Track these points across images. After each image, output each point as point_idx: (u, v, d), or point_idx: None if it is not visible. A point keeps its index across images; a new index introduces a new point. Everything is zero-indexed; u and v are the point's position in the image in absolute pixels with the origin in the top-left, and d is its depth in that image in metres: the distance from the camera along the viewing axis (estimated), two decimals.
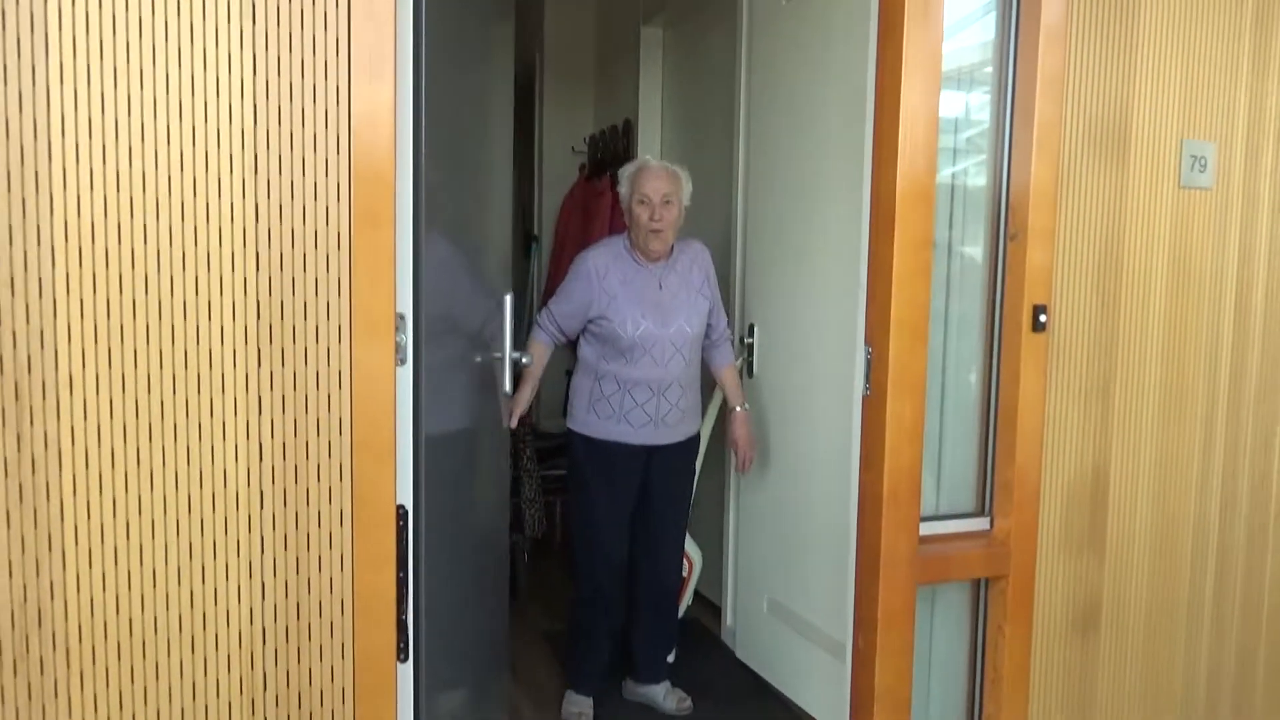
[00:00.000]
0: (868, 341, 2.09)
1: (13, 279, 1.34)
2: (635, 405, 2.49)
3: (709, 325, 2.61)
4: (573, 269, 2.55)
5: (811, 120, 2.46)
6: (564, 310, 2.53)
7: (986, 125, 2.24)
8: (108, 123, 1.38)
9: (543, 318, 2.59)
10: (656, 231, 2.46)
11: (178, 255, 1.43)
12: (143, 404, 1.41)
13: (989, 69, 2.22)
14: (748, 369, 2.78)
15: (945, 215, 2.24)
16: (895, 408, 2.04)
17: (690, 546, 2.99)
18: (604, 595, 2.58)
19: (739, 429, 2.68)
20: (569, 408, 2.60)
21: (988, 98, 2.23)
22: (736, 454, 2.70)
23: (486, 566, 2.17)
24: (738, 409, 2.68)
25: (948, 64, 2.15)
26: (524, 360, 2.13)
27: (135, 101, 1.38)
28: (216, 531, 1.47)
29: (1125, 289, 2.29)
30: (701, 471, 2.87)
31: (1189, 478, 2.40)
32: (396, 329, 1.59)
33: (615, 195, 3.83)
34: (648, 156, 2.57)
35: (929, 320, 2.05)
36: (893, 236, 2.01)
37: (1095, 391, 2.28)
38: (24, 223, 1.33)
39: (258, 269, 1.47)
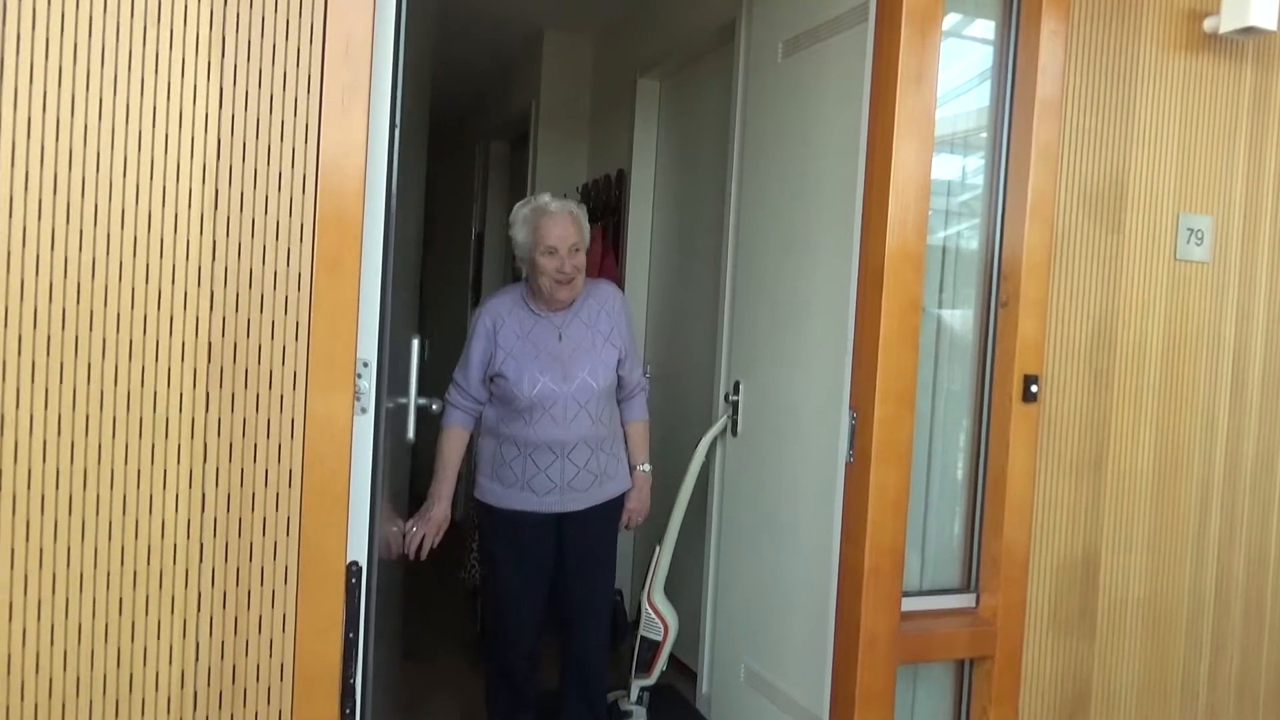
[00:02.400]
0: (853, 406, 2.06)
1: None
2: (538, 471, 2.36)
3: (619, 378, 2.48)
4: (471, 325, 2.44)
5: (803, 178, 2.44)
6: (472, 375, 2.39)
7: (980, 190, 2.23)
8: (62, 151, 1.32)
9: (453, 394, 2.42)
10: (566, 283, 2.35)
11: (126, 291, 1.37)
12: (79, 447, 1.34)
13: (984, 134, 2.21)
14: (732, 428, 2.73)
15: (935, 280, 2.22)
16: (879, 476, 2.00)
17: (665, 609, 2.89)
18: (512, 681, 2.45)
19: (634, 492, 2.57)
20: (474, 474, 2.49)
21: (982, 162, 2.22)
22: (628, 516, 2.59)
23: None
24: (639, 468, 2.58)
25: (942, 128, 2.14)
26: (433, 407, 2.04)
27: (94, 131, 1.33)
28: (150, 586, 1.39)
29: (1119, 361, 2.26)
30: (684, 527, 2.82)
31: (1183, 556, 2.35)
32: (359, 376, 1.57)
33: (606, 242, 3.85)
34: (545, 196, 2.43)
35: (916, 387, 2.02)
36: (880, 299, 1.98)
37: (1087, 465, 2.24)
38: None
39: (211, 309, 1.42)
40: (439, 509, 2.36)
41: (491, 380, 2.39)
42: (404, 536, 2.28)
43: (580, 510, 2.43)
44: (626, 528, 2.61)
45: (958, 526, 2.27)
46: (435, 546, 2.35)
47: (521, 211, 2.42)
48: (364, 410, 1.58)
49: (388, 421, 1.79)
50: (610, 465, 2.48)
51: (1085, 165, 2.17)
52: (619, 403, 2.55)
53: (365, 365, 1.58)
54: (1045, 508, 2.21)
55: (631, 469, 2.59)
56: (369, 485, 1.59)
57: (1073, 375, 2.21)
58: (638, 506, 2.59)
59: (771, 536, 2.55)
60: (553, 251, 2.34)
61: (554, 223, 2.35)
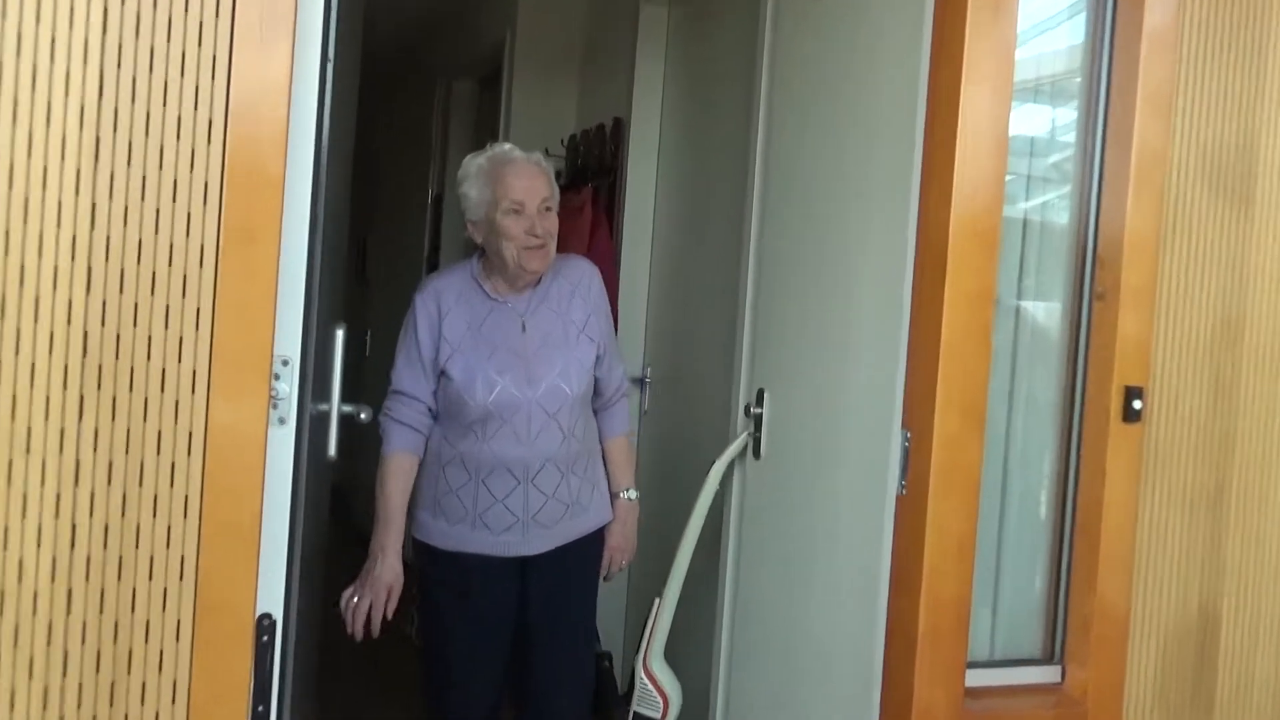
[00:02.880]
0: (906, 424, 2.06)
1: None
2: (494, 501, 2.38)
3: (596, 380, 2.51)
4: (407, 315, 2.45)
5: (846, 135, 2.44)
6: (421, 378, 2.40)
7: (1072, 149, 2.23)
8: None
9: (395, 407, 2.42)
10: (537, 249, 2.36)
11: None
12: None
13: (1077, 79, 2.22)
14: (754, 448, 2.74)
15: (1014, 264, 2.22)
16: (940, 512, 2.01)
17: (666, 678, 2.90)
18: None
19: (616, 526, 2.60)
20: (413, 510, 2.49)
21: (1075, 115, 2.23)
22: (610, 556, 2.62)
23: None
24: (622, 495, 2.61)
25: (1024, 71, 2.15)
26: (360, 416, 2.06)
27: None
28: (2, 644, 1.39)
29: (1247, 368, 2.26)
30: (691, 575, 2.83)
31: None
32: (276, 377, 1.58)
33: (598, 208, 3.86)
34: (507, 145, 2.45)
35: (987, 399, 2.03)
36: (943, 287, 1.99)
37: (1204, 501, 2.25)
38: None
39: (88, 290, 1.42)
40: (387, 567, 2.35)
41: (436, 383, 2.41)
42: (343, 607, 2.30)
43: (548, 552, 2.44)
44: (606, 576, 2.63)
45: (1039, 578, 2.28)
46: (389, 617, 2.35)
47: (475, 163, 2.43)
48: (282, 421, 1.59)
49: (313, 435, 1.80)
50: (585, 493, 2.50)
51: (1206, 121, 2.17)
52: (595, 413, 2.58)
53: (285, 364, 1.58)
54: (1151, 555, 2.21)
55: (613, 497, 2.61)
56: (287, 516, 1.60)
57: (1187, 386, 2.21)
58: (621, 544, 2.62)
59: (802, 586, 2.56)
60: (518, 210, 2.36)
61: (519, 172, 2.37)
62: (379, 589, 2.32)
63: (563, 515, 2.44)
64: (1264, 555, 2.30)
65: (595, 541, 2.54)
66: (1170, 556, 2.23)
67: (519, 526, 2.39)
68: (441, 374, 2.37)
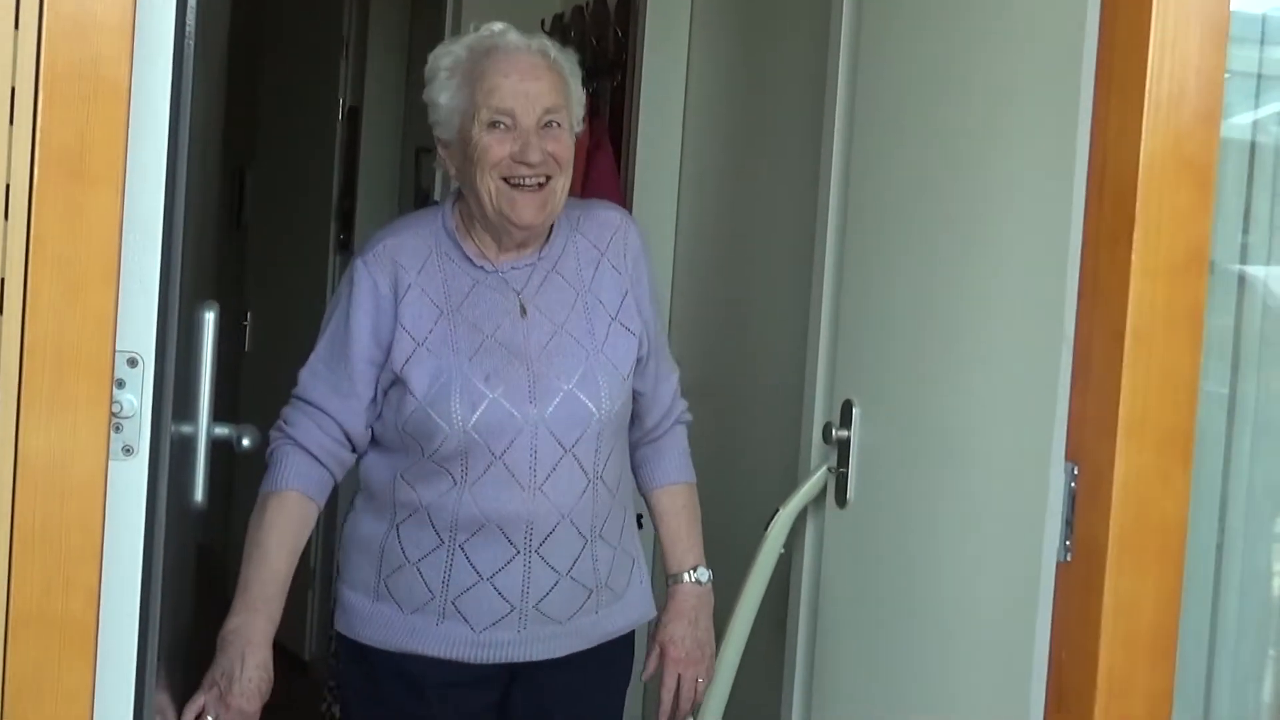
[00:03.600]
0: (1072, 455, 2.06)
1: None
2: (477, 579, 2.35)
3: (637, 394, 2.53)
4: (340, 288, 2.43)
5: (977, 23, 2.43)
6: (337, 386, 2.38)
7: None
8: None
9: (294, 421, 2.41)
10: (531, 188, 2.33)
11: None
12: None
13: None
14: (836, 490, 2.75)
15: (1235, 209, 2.23)
16: (1125, 589, 1.99)
17: None
18: None
19: (679, 624, 2.57)
20: (335, 588, 2.49)
21: None
22: (661, 674, 2.58)
23: None
24: (686, 577, 2.59)
25: None
26: (244, 442, 2.06)
27: None
28: None
29: None
30: (743, 678, 2.82)
31: None
32: (120, 385, 1.59)
33: (598, 127, 3.87)
34: (498, 24, 2.40)
35: (1195, 418, 2.01)
36: (1130, 247, 1.97)
37: None
38: None
39: None
40: (251, 666, 2.31)
41: (385, 395, 2.38)
42: None
43: (556, 660, 2.43)
44: (674, 717, 2.59)
45: (1271, 684, 2.31)
46: None
47: (448, 54, 2.41)
48: (129, 450, 1.60)
49: (173, 471, 1.81)
50: (620, 572, 2.51)
51: None
52: (633, 447, 2.58)
53: (133, 364, 1.59)
54: None
55: (672, 579, 2.61)
56: (138, 596, 1.61)
57: None
58: (692, 654, 2.58)
59: (910, 701, 2.56)
60: (505, 122, 2.33)
61: (510, 64, 2.34)
62: (240, 701, 2.29)
63: (582, 605, 2.42)
64: None
65: (627, 651, 2.55)
66: None
67: (514, 619, 2.37)
68: (395, 382, 2.35)
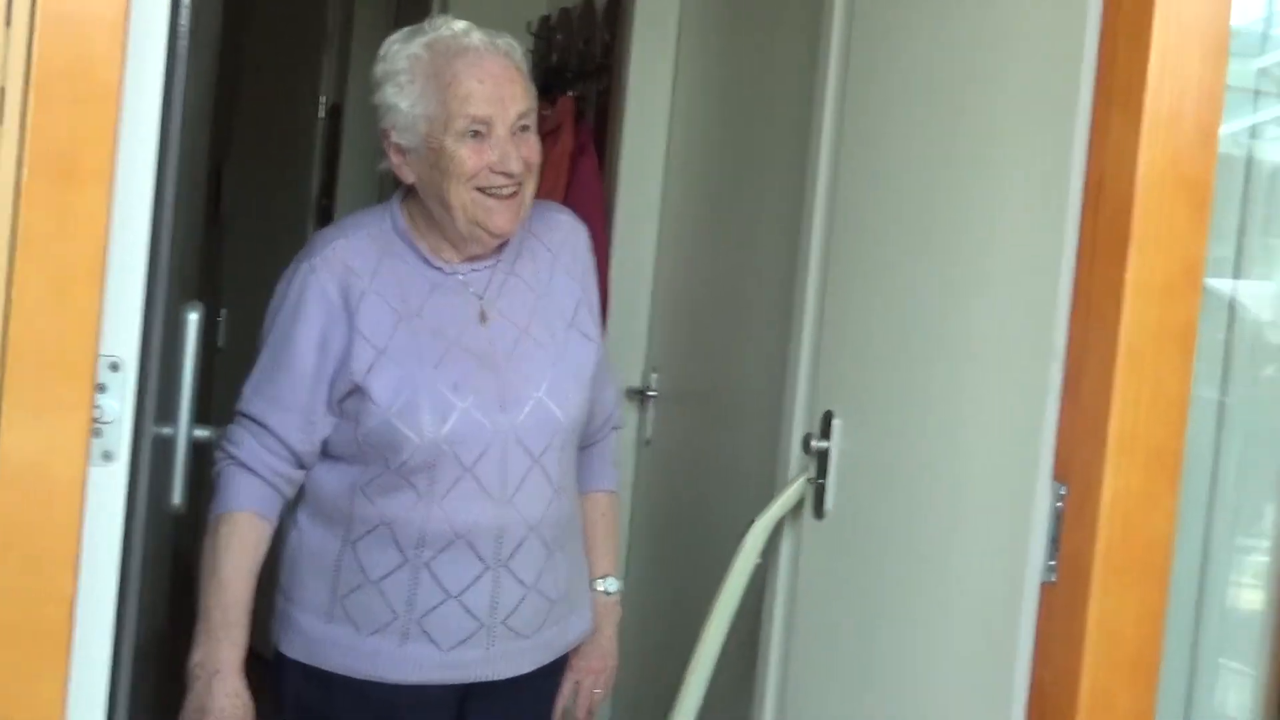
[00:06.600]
0: (1060, 475, 2.05)
1: None
2: (444, 597, 2.32)
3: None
4: (280, 295, 2.36)
5: (972, 28, 2.42)
6: (284, 401, 2.32)
7: None
8: None
9: (240, 440, 2.35)
10: (507, 197, 2.31)
11: None
12: None
13: None
14: (815, 501, 2.74)
15: (1230, 225, 2.24)
16: (1111, 611, 1.98)
17: None
18: None
19: (595, 640, 2.58)
20: (279, 606, 2.43)
21: None
22: (577, 687, 2.59)
23: None
24: (597, 586, 2.59)
25: None
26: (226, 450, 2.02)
27: None
28: None
29: None
30: (713, 696, 2.81)
31: None
32: (101, 389, 1.58)
33: (582, 131, 3.86)
34: (458, 22, 2.36)
35: (1184, 438, 2.01)
36: (1124, 264, 1.96)
37: None
38: None
39: None
40: (224, 696, 2.28)
41: (340, 406, 2.34)
42: None
43: (516, 679, 2.42)
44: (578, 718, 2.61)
45: (1251, 707, 2.30)
46: None
47: (405, 51, 2.35)
48: (109, 456, 1.59)
49: (153, 476, 1.80)
50: (576, 583, 2.50)
51: None
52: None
53: (115, 369, 1.58)
54: None
55: (591, 587, 2.61)
56: (113, 605, 1.61)
57: None
58: (601, 665, 2.60)
59: (886, 711, 2.56)
60: (481, 130, 2.29)
61: (482, 68, 2.30)
62: None
63: (546, 618, 2.41)
64: None
65: (564, 661, 2.56)
66: None
67: (482, 636, 2.34)
68: (353, 392, 2.30)
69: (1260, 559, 2.29)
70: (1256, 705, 2.27)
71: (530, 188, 2.35)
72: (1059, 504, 2.04)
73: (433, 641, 2.34)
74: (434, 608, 2.33)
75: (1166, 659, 2.12)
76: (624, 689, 2.95)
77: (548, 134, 3.96)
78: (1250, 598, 2.31)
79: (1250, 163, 2.25)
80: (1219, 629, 2.28)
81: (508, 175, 2.28)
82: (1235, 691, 2.32)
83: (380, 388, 2.29)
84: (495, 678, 2.39)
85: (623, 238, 3.73)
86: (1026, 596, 2.09)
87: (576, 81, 4.01)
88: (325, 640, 2.36)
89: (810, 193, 2.88)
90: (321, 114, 5.34)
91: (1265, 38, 2.26)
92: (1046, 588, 2.05)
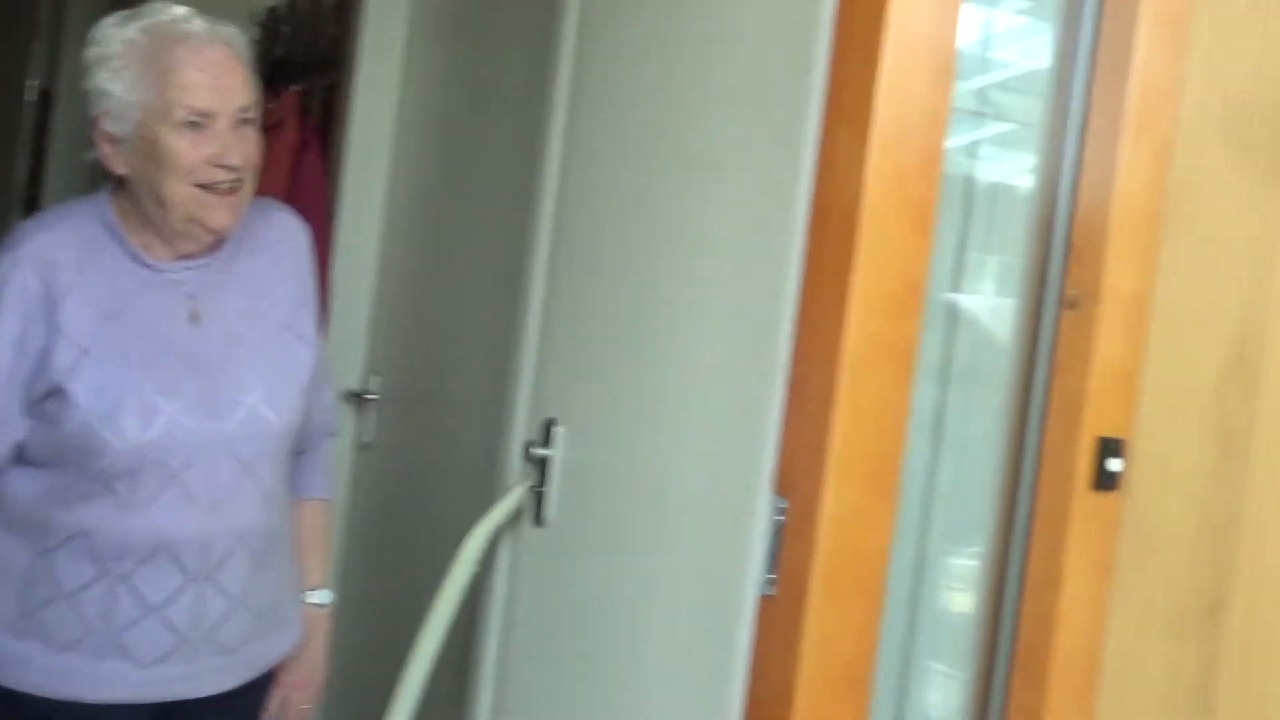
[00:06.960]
0: (781, 489, 2.07)
1: None
2: (144, 611, 2.25)
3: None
4: None
5: (700, 43, 2.45)
6: None
7: (1048, 69, 2.27)
8: None
9: None
10: (226, 192, 2.26)
11: None
12: None
13: None
14: (534, 509, 2.74)
15: (948, 240, 2.27)
16: (826, 626, 2.00)
17: None
18: None
19: (304, 654, 2.57)
20: None
21: (1047, 27, 2.28)
22: (284, 702, 2.57)
23: None
24: (311, 599, 2.59)
25: None
26: None
27: None
28: None
29: (1268, 417, 2.31)
30: (427, 712, 2.77)
31: None
32: None
33: (306, 126, 3.87)
34: (177, 6, 2.30)
35: (902, 453, 2.05)
36: (848, 279, 1.99)
37: (1198, 612, 2.30)
38: None
39: None
40: None
41: (40, 407, 2.24)
42: None
43: (220, 695, 2.36)
44: None
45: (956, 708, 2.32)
46: None
47: (120, 34, 2.26)
48: None
49: None
50: (287, 594, 2.46)
51: (1232, 57, 2.22)
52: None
53: None
54: (1122, 691, 2.24)
55: (303, 599, 2.59)
56: None
57: (1186, 439, 2.25)
58: (310, 679, 2.58)
59: None
60: (200, 122, 2.22)
61: (202, 57, 2.24)
62: None
63: (250, 633, 2.36)
64: (1275, 692, 2.37)
65: (270, 676, 2.52)
66: (1152, 686, 2.27)
67: (185, 651, 2.27)
68: (52, 394, 2.20)
69: (970, 563, 2.31)
70: (964, 705, 2.30)
71: (250, 184, 2.31)
72: (779, 517, 2.05)
73: (131, 658, 2.26)
74: (133, 622, 2.26)
75: (880, 666, 2.16)
76: (335, 701, 2.90)
77: (271, 128, 3.92)
78: (961, 601, 2.34)
79: (993, 189, 2.29)
80: (932, 634, 2.31)
81: (228, 169, 2.24)
82: (944, 693, 2.35)
83: (82, 390, 2.21)
84: (198, 695, 2.33)
85: (346, 237, 3.72)
86: (745, 610, 2.10)
87: (303, 75, 3.96)
88: (14, 658, 2.27)
89: (537, 201, 2.90)
90: (30, 98, 5.18)
91: (984, 60, 2.30)
92: (765, 601, 2.06)
